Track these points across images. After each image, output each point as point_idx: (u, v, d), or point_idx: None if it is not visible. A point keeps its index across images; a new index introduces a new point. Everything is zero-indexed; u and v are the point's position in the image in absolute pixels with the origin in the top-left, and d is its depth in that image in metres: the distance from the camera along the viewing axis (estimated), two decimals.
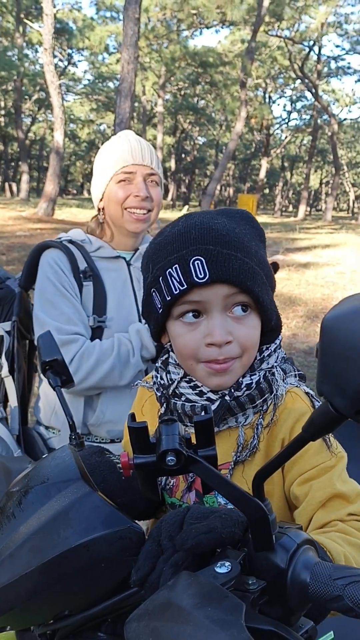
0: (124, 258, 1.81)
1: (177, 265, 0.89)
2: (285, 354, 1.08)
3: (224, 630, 0.52)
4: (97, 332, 1.68)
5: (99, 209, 1.80)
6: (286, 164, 63.51)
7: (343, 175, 55.64)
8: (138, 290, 1.78)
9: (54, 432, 1.79)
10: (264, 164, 42.48)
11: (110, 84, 44.74)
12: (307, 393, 1.03)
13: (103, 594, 0.75)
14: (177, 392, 1.03)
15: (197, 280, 0.89)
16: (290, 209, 66.74)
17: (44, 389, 1.83)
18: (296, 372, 1.07)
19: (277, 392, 1.00)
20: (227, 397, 0.97)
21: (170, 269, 0.90)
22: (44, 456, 0.97)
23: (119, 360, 1.62)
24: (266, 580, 0.63)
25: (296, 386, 1.03)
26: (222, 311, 0.93)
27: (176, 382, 1.03)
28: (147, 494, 0.69)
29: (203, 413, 0.66)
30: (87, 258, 1.74)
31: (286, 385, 1.02)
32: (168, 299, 0.92)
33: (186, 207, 39.27)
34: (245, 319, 0.95)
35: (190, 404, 0.99)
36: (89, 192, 73.43)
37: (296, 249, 15.18)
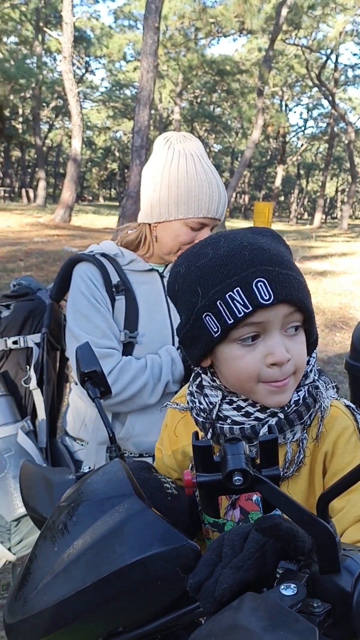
0: (157, 270, 1.79)
1: (238, 288, 0.88)
2: (318, 367, 1.09)
3: None
4: (128, 348, 1.66)
5: (149, 225, 1.73)
6: (302, 172, 63.46)
7: (359, 183, 55.38)
8: (171, 302, 1.76)
9: (82, 445, 1.78)
10: (280, 171, 42.48)
11: (127, 92, 45.09)
12: (347, 406, 1.04)
13: (158, 611, 0.74)
14: (221, 415, 1.01)
15: (263, 302, 0.88)
16: (306, 216, 66.60)
17: (74, 400, 1.82)
18: (333, 385, 1.07)
19: (322, 405, 1.00)
20: (280, 414, 0.97)
21: (231, 292, 0.89)
22: (90, 469, 0.97)
23: (152, 376, 1.61)
24: (331, 603, 0.62)
25: (336, 399, 1.04)
26: (279, 330, 0.93)
27: (217, 405, 1.01)
28: (208, 512, 0.69)
29: (267, 432, 0.65)
30: (120, 272, 1.71)
31: (330, 398, 1.03)
32: (230, 322, 0.90)
33: None
34: (296, 337, 0.95)
35: (239, 426, 0.98)
36: (104, 198, 73.92)
37: (313, 257, 15.14)
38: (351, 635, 0.63)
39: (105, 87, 48.65)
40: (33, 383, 1.80)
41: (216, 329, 0.91)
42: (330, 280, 11.31)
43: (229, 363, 0.95)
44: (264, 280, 0.88)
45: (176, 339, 1.72)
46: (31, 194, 37.41)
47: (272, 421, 0.97)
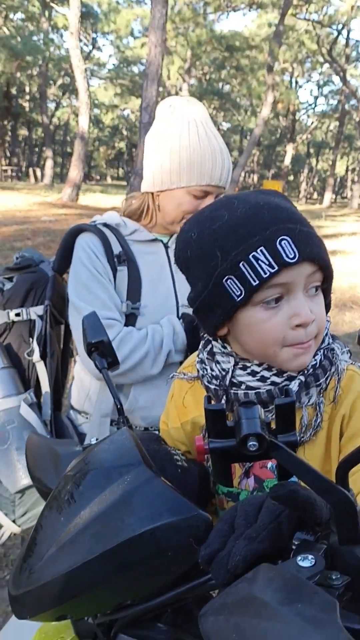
0: (161, 241, 1.75)
1: (262, 248, 0.84)
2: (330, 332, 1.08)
3: (319, 629, 0.47)
4: (130, 319, 1.63)
5: (152, 194, 1.68)
6: (312, 150, 62.72)
7: None
8: (176, 273, 1.73)
9: (86, 418, 1.76)
10: (290, 150, 41.97)
11: (135, 69, 44.54)
12: None
13: (167, 583, 0.72)
14: (235, 381, 0.98)
15: (288, 260, 0.84)
16: (315, 196, 65.98)
17: (78, 372, 1.80)
18: (347, 349, 1.05)
19: (339, 367, 0.98)
20: (301, 377, 0.95)
21: (254, 252, 0.84)
22: (96, 439, 0.94)
23: (153, 347, 1.58)
24: (350, 575, 0.59)
25: (351, 363, 1.03)
26: (302, 291, 0.89)
27: (230, 371, 0.98)
28: (219, 480, 0.66)
29: (283, 396, 0.61)
30: (122, 242, 1.68)
31: (346, 362, 1.01)
32: (255, 283, 0.85)
33: None
34: (316, 298, 0.93)
35: (254, 391, 0.95)
36: (112, 178, 73.48)
37: (322, 237, 14.57)
38: None
39: (113, 64, 48.13)
40: (36, 355, 1.78)
41: (239, 292, 0.87)
42: (340, 259, 11.20)
43: (251, 328, 0.91)
44: (288, 238, 0.84)
45: (180, 310, 1.69)
46: (38, 173, 37.17)
47: (295, 384, 0.94)
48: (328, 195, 39.80)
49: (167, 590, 0.72)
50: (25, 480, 1.63)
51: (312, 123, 51.78)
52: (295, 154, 51.39)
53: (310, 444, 0.98)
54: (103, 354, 1.11)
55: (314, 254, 0.87)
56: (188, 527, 0.69)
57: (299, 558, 0.58)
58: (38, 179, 35.89)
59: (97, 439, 0.96)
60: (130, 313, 1.63)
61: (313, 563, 0.58)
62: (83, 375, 1.77)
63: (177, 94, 42.16)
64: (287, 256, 0.84)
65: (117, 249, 1.66)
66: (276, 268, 0.84)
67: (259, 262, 0.84)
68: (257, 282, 0.85)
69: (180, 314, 1.67)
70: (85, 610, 0.75)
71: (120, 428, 1.01)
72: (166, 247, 1.74)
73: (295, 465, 0.59)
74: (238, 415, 0.60)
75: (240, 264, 0.85)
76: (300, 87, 52.91)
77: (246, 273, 0.85)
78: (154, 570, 0.70)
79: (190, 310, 1.65)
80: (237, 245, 0.86)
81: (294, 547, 0.63)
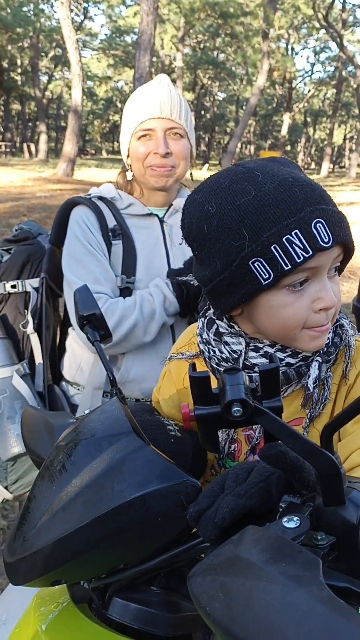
0: (157, 215, 1.74)
1: (297, 231, 0.80)
2: None
3: (301, 587, 0.49)
4: (125, 293, 1.63)
5: (128, 165, 1.71)
6: (309, 119, 61.91)
7: None
8: (170, 248, 1.72)
9: (77, 389, 1.78)
10: (286, 119, 41.37)
11: (128, 39, 43.69)
12: None
13: (159, 547, 0.73)
14: (247, 363, 0.95)
15: (324, 245, 0.80)
16: (313, 166, 65.27)
17: (70, 344, 1.81)
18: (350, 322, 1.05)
19: (349, 343, 0.98)
20: (318, 358, 0.94)
21: (289, 235, 0.80)
22: (88, 410, 0.95)
23: (142, 315, 1.58)
24: (335, 535, 0.60)
25: (356, 334, 1.03)
26: (326, 273, 0.87)
27: (243, 353, 0.95)
28: (207, 447, 0.66)
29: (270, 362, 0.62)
30: (117, 216, 1.67)
31: (354, 335, 1.01)
32: (287, 268, 0.81)
33: (206, 165, 38.56)
34: (335, 278, 0.90)
35: None
36: (107, 152, 72.63)
37: None
38: (356, 567, 0.62)
39: (105, 35, 47.18)
40: (30, 327, 1.80)
41: (267, 276, 0.83)
42: None
43: (273, 310, 0.87)
44: (323, 221, 0.81)
45: None
46: (33, 149, 36.76)
47: (315, 366, 0.94)
48: (326, 165, 39.39)
49: (159, 554, 0.73)
50: (16, 448, 1.67)
51: (308, 91, 50.91)
52: (292, 123, 50.71)
53: (319, 417, 0.97)
54: (95, 326, 1.11)
55: (346, 237, 0.84)
56: (177, 493, 0.70)
57: (285, 519, 0.59)
58: (32, 154, 35.52)
59: (90, 410, 0.97)
60: (125, 287, 1.63)
61: (298, 524, 0.59)
62: (75, 347, 1.78)
63: (171, 64, 41.43)
64: (322, 240, 0.80)
65: (111, 222, 1.66)
66: (311, 253, 0.81)
67: (294, 246, 0.80)
68: (290, 266, 0.81)
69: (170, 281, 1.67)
70: (79, 575, 0.77)
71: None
72: (162, 221, 1.73)
73: (279, 430, 0.59)
74: (222, 382, 0.60)
75: (272, 247, 0.81)
76: (297, 54, 51.91)
77: (278, 257, 0.81)
78: (144, 535, 0.71)
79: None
80: (268, 227, 0.81)
81: (280, 509, 0.65)
